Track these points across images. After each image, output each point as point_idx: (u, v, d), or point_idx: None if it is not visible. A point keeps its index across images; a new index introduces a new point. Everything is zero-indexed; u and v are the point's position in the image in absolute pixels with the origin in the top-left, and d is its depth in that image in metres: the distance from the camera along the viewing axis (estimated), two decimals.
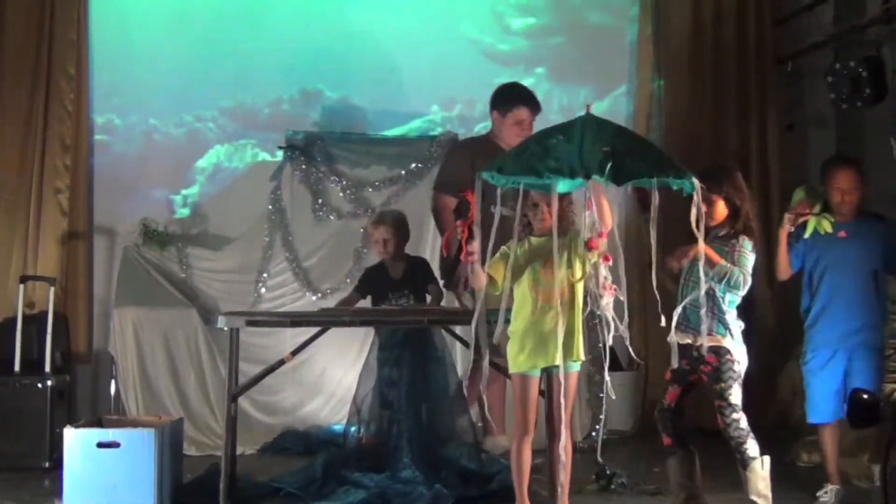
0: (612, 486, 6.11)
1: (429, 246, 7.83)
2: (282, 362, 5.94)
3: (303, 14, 8.37)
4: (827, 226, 5.52)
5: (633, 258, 7.79)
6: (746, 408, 5.23)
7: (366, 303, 6.72)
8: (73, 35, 7.93)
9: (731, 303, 5.26)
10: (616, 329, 4.93)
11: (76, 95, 7.95)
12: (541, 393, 5.33)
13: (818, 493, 5.60)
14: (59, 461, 5.73)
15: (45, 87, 7.87)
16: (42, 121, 7.85)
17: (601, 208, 4.96)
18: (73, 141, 7.94)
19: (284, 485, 6.01)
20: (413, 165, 8.01)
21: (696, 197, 4.68)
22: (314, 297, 7.90)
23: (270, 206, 7.99)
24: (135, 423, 5.99)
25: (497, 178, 4.78)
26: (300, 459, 6.52)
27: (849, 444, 6.08)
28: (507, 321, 5.02)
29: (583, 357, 5.21)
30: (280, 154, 8.07)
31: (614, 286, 5.00)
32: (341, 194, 8.01)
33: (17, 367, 7.04)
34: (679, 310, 5.10)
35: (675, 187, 4.68)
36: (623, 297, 4.92)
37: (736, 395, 5.20)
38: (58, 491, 5.66)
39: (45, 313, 7.24)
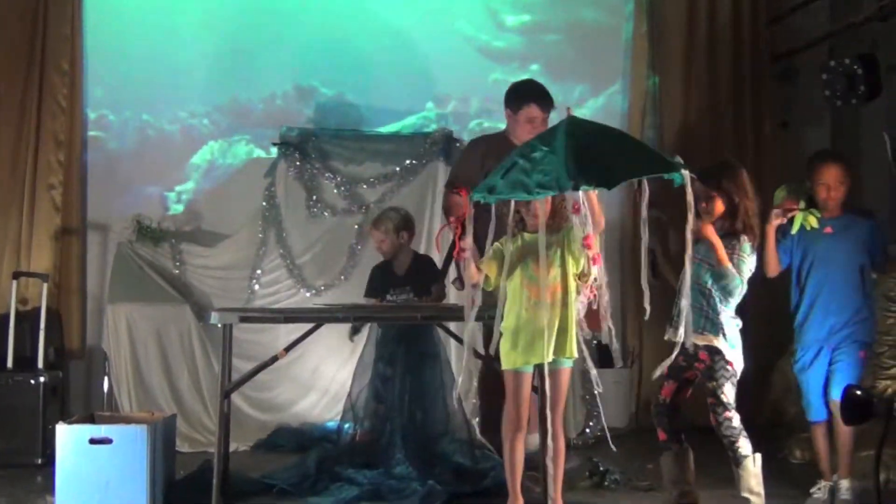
0: (606, 483, 6.12)
1: (423, 243, 7.82)
2: (275, 359, 5.93)
3: (297, 10, 8.37)
4: (813, 221, 5.51)
5: (629, 257, 7.84)
6: (741, 405, 5.24)
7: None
8: (66, 30, 7.93)
9: (727, 303, 5.25)
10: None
11: (69, 91, 7.95)
12: (534, 389, 5.33)
13: (811, 490, 5.60)
14: (52, 458, 5.71)
15: (39, 83, 7.86)
16: (35, 116, 7.85)
17: (593, 211, 4.98)
18: (66, 137, 7.94)
19: (277, 481, 6.00)
20: (407, 162, 7.99)
21: (687, 186, 4.68)
22: (308, 294, 7.89)
23: (264, 203, 7.98)
24: (127, 420, 5.97)
25: (489, 198, 4.80)
26: (293, 456, 6.51)
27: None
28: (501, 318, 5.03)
29: (576, 354, 5.20)
30: (274, 150, 8.06)
31: (595, 288, 5.02)
32: (335, 191, 8.00)
33: (9, 364, 7.02)
34: (687, 309, 5.08)
35: (665, 177, 4.69)
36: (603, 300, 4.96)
37: (729, 393, 5.21)
38: (50, 487, 5.64)
39: (39, 309, 7.23)
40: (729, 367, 5.22)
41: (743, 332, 5.30)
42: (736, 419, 5.21)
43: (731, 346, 5.25)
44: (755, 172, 8.07)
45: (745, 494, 5.21)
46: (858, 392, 5.03)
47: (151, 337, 7.65)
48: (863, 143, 7.29)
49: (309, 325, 6.15)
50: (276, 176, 8.00)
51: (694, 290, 5.25)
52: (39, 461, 6.75)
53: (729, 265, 5.18)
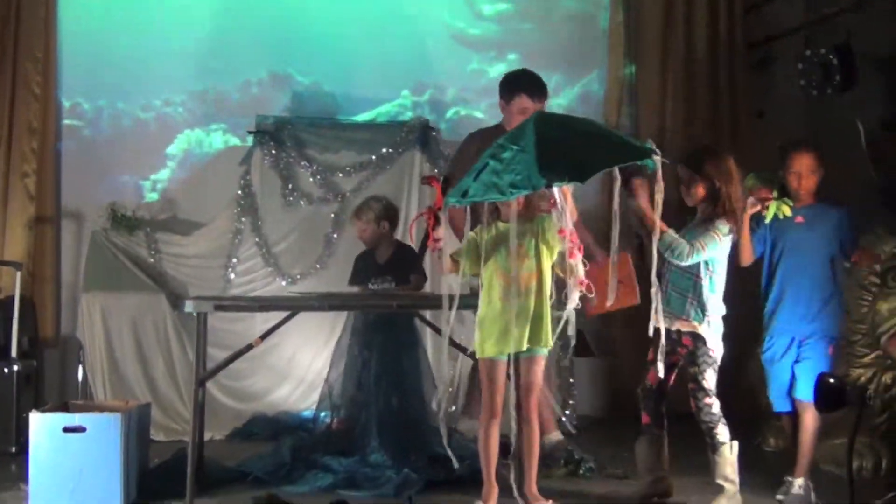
0: (581, 471, 6.13)
1: (400, 231, 7.80)
2: (250, 347, 5.92)
3: None
4: (787, 210, 5.52)
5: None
6: (718, 393, 5.27)
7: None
8: (40, 18, 7.88)
9: (712, 288, 5.27)
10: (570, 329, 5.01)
11: (43, 79, 7.90)
12: (509, 377, 5.35)
13: (787, 477, 5.61)
14: (25, 446, 5.67)
15: (12, 71, 7.81)
16: (9, 104, 7.80)
17: (567, 205, 5.00)
18: (40, 125, 7.89)
19: (252, 469, 5.99)
20: (383, 150, 7.98)
21: (658, 171, 4.69)
22: (284, 283, 7.87)
23: (240, 191, 7.95)
24: (101, 408, 5.94)
25: (462, 201, 4.80)
26: (269, 445, 6.49)
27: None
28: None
29: (550, 343, 5.22)
30: (250, 139, 8.04)
31: (586, 281, 5.03)
32: (311, 179, 7.98)
33: None
34: (655, 291, 5.09)
35: (639, 164, 4.71)
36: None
37: (710, 379, 5.24)
38: (23, 476, 5.61)
39: (12, 298, 7.18)
40: (711, 354, 5.26)
41: (723, 319, 5.33)
42: (716, 406, 5.24)
43: (714, 333, 5.27)
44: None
45: (720, 481, 5.25)
46: (832, 380, 5.07)
47: (126, 325, 7.61)
48: (838, 132, 7.31)
49: (284, 314, 6.15)
50: (251, 164, 7.97)
51: (680, 276, 5.27)
52: (13, 450, 6.73)
53: (669, 231, 5.20)
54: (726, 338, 5.35)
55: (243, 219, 7.91)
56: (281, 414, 7.58)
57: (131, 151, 8.20)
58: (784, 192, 5.55)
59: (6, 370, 6.89)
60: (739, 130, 8.30)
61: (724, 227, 5.25)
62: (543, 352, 5.25)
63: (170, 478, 5.71)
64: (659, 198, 4.80)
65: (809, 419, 5.45)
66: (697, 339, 5.26)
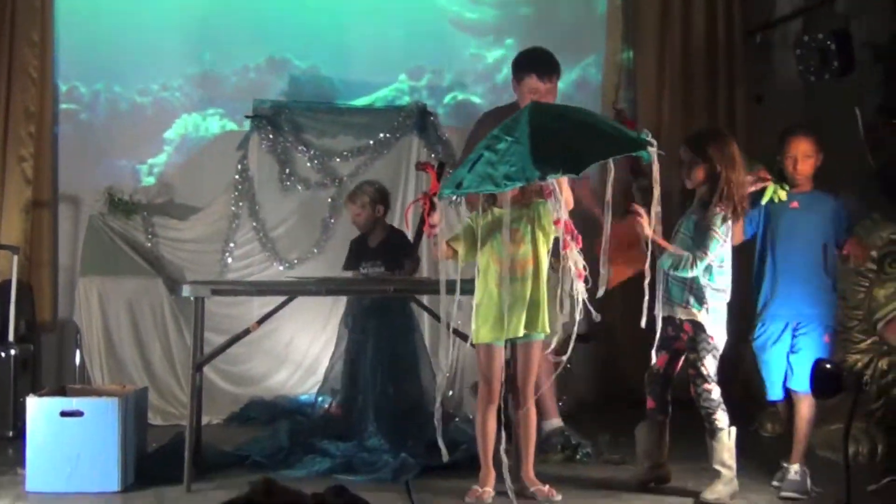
0: (578, 456, 6.15)
1: (397, 216, 7.82)
2: (247, 331, 5.93)
3: None
4: (783, 195, 5.52)
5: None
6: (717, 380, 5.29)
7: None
8: (37, 1, 7.83)
9: (711, 277, 5.27)
10: (590, 314, 4.99)
11: (40, 63, 7.87)
12: (507, 362, 5.36)
13: (783, 463, 5.63)
14: (23, 430, 5.68)
15: (9, 55, 7.78)
16: (5, 88, 7.77)
17: (562, 195, 5.01)
18: (37, 109, 7.87)
19: (251, 453, 6.01)
20: (381, 135, 7.96)
21: (654, 163, 4.69)
22: (281, 267, 7.87)
23: (237, 176, 7.94)
24: (99, 393, 5.94)
25: (457, 192, 4.81)
26: (266, 429, 6.51)
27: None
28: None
29: (548, 329, 5.23)
30: (247, 123, 8.01)
31: (584, 271, 5.03)
32: (308, 164, 7.96)
33: None
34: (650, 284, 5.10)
35: (634, 155, 4.72)
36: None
37: (709, 366, 5.25)
38: (21, 460, 5.61)
39: (9, 282, 7.17)
40: (710, 341, 5.26)
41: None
42: (716, 392, 5.25)
43: (714, 320, 5.28)
44: None
45: (717, 467, 5.26)
46: (828, 366, 5.08)
47: (123, 310, 7.61)
48: (835, 118, 7.30)
49: (282, 299, 6.16)
50: (248, 149, 7.95)
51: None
52: (10, 434, 6.74)
53: (670, 248, 5.20)
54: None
55: (240, 203, 7.90)
56: (278, 398, 7.59)
57: (128, 136, 8.19)
58: (782, 178, 5.55)
59: (3, 354, 6.90)
60: (737, 116, 8.29)
61: (717, 219, 5.24)
62: (541, 337, 5.26)
63: (167, 462, 5.72)
64: (656, 191, 4.80)
65: (805, 407, 5.46)
66: (697, 326, 5.27)
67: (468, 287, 5.18)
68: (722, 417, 5.25)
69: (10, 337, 7.01)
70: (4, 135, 7.76)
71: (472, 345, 5.27)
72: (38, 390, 6.23)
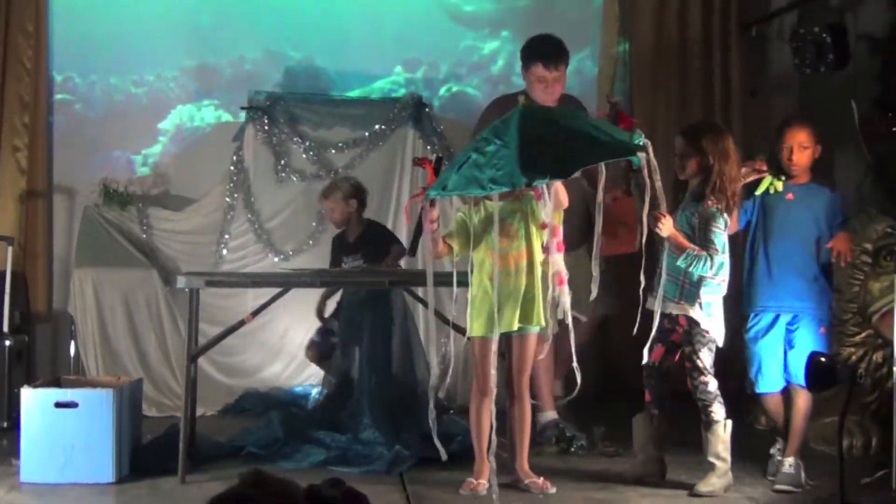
0: (572, 449, 6.15)
1: (392, 207, 7.83)
2: (242, 323, 5.93)
3: None
4: (779, 186, 5.52)
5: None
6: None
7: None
8: None
9: (705, 272, 5.27)
10: (567, 318, 5.09)
11: (35, 53, 7.85)
12: (502, 355, 5.37)
13: (771, 451, 5.63)
14: (17, 421, 5.69)
15: (3, 44, 7.76)
16: (0, 78, 7.75)
17: (556, 196, 5.03)
18: (31, 99, 7.85)
19: (245, 443, 6.01)
20: (376, 127, 7.95)
21: (644, 169, 4.71)
22: (276, 259, 7.86)
23: (232, 167, 7.92)
24: (93, 384, 5.95)
25: (443, 194, 4.82)
26: (260, 421, 6.50)
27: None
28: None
29: (543, 322, 5.24)
30: (242, 115, 8.00)
31: (563, 279, 5.06)
32: (304, 156, 7.95)
33: None
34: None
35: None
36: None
37: (705, 358, 5.26)
38: (15, 451, 5.62)
39: (4, 273, 7.17)
40: (705, 334, 5.27)
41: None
42: (712, 384, 5.27)
43: (708, 314, 5.29)
44: None
45: (712, 459, 5.27)
46: (823, 359, 5.09)
47: (118, 301, 7.61)
48: (831, 111, 7.31)
49: (277, 290, 6.16)
50: (244, 140, 7.93)
51: (674, 260, 5.27)
52: (4, 425, 6.75)
53: (690, 247, 5.21)
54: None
55: (235, 195, 7.89)
56: (273, 390, 7.59)
57: (123, 126, 8.16)
58: (780, 170, 5.54)
59: None
60: (732, 109, 8.28)
61: (716, 214, 5.24)
62: (535, 330, 5.27)
63: (162, 453, 5.73)
64: (648, 197, 4.82)
65: (802, 401, 5.47)
66: (691, 320, 5.28)
67: (462, 279, 5.18)
68: (718, 410, 5.26)
69: (5, 328, 7.01)
70: None
71: (468, 338, 5.27)
72: (33, 381, 6.23)
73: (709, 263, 5.21)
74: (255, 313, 6.03)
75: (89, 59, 8.13)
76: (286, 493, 2.64)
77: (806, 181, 5.56)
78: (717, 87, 8.30)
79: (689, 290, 5.27)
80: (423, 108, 7.97)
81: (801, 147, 5.50)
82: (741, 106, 8.24)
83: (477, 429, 5.30)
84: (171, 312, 7.63)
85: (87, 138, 8.13)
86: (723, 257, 5.30)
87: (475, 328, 5.23)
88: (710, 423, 5.26)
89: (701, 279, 5.25)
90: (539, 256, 5.21)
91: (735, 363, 6.75)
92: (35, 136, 7.87)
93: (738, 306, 5.69)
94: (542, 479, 5.37)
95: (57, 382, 5.96)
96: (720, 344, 5.33)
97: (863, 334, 6.29)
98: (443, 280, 5.14)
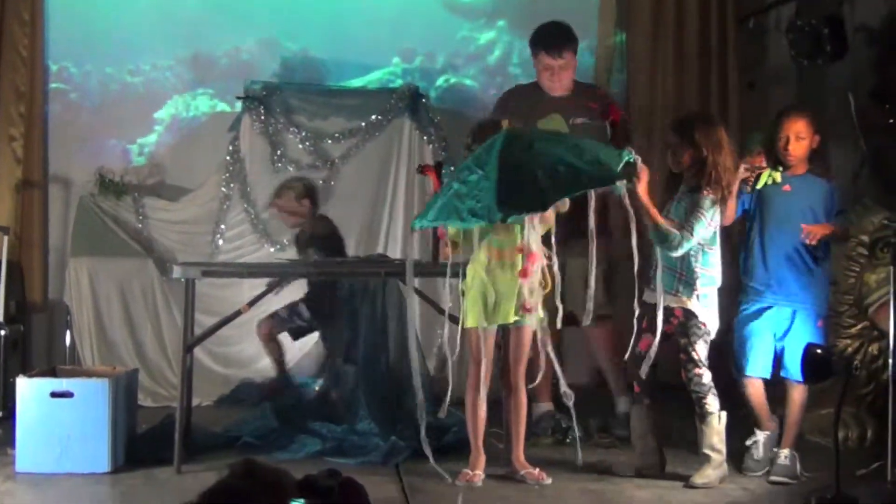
0: (568, 440, 6.15)
1: (388, 198, 7.82)
2: (238, 313, 5.93)
3: None
4: (777, 177, 5.52)
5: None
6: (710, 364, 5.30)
7: None
8: None
9: (705, 262, 5.27)
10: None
11: (30, 42, 7.81)
12: (497, 346, 5.37)
13: (747, 442, 5.62)
14: (13, 411, 5.69)
15: None
16: None
17: (536, 224, 5.04)
18: (27, 89, 7.82)
19: (241, 433, 6.02)
20: (373, 117, 7.93)
21: (625, 199, 4.70)
22: (272, 249, 7.84)
23: (228, 157, 7.90)
24: (89, 374, 5.96)
25: (425, 224, 4.83)
26: (256, 411, 6.50)
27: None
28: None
29: (540, 314, 5.24)
30: (238, 104, 7.99)
31: (533, 304, 5.10)
32: (300, 146, 7.93)
33: None
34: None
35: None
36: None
37: (700, 351, 5.27)
38: (10, 440, 5.62)
39: None
40: (702, 326, 5.28)
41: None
42: (706, 376, 5.27)
43: (705, 306, 5.28)
44: None
45: (707, 451, 5.28)
46: (819, 350, 5.10)
47: (114, 291, 7.61)
48: (828, 103, 7.31)
49: (273, 280, 6.16)
50: (240, 130, 7.91)
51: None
52: (0, 414, 6.72)
53: (662, 223, 5.19)
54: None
55: (232, 185, 7.87)
56: (269, 380, 7.58)
57: (119, 116, 8.13)
58: (777, 161, 5.54)
59: None
60: (729, 101, 8.26)
61: (706, 202, 5.24)
62: (532, 321, 5.26)
63: (157, 443, 5.74)
64: (633, 227, 4.83)
65: (797, 392, 5.47)
66: (688, 312, 5.28)
67: (447, 272, 5.18)
68: (712, 402, 5.27)
69: (0, 317, 6.99)
70: None
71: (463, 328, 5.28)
72: (29, 371, 6.22)
73: (677, 242, 5.18)
74: (252, 303, 6.03)
75: (85, 49, 8.10)
76: (278, 483, 2.63)
77: (803, 172, 5.55)
78: (714, 79, 8.28)
79: (687, 281, 5.26)
80: (419, 99, 7.96)
81: (798, 137, 5.49)
82: (738, 98, 8.22)
83: (472, 420, 5.30)
84: (167, 302, 7.63)
85: (83, 128, 8.11)
86: (713, 249, 5.30)
87: (470, 319, 5.23)
88: (704, 416, 5.27)
89: (696, 271, 5.24)
90: (538, 249, 5.20)
91: (728, 354, 6.77)
92: (31, 125, 7.85)
93: (735, 298, 5.69)
94: (537, 470, 5.37)
95: (53, 372, 5.96)
96: (714, 336, 5.33)
97: (859, 326, 6.29)
98: (438, 271, 5.14)
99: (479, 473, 5.28)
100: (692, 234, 5.20)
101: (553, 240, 5.07)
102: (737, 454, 5.57)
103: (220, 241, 7.84)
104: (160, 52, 8.19)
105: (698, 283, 5.26)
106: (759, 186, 5.52)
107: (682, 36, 8.34)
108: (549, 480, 5.33)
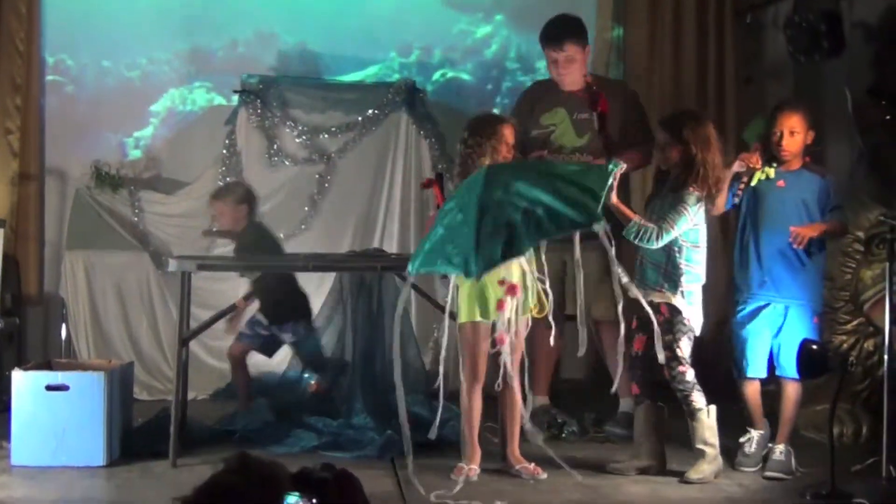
0: (563, 435, 6.16)
1: (384, 195, 7.82)
2: (234, 307, 5.93)
3: None
4: (771, 172, 5.51)
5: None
6: (700, 359, 5.29)
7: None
8: None
9: (689, 258, 5.27)
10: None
11: (27, 34, 7.79)
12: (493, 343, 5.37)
13: (741, 440, 5.62)
14: (8, 404, 5.68)
15: None
16: None
17: None
18: (23, 81, 7.80)
19: (237, 427, 6.02)
20: (370, 112, 7.92)
21: (603, 239, 4.69)
22: None
23: (225, 151, 7.89)
24: (84, 367, 5.95)
25: (418, 271, 4.87)
26: (252, 405, 6.50)
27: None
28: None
29: (535, 310, 5.25)
30: (235, 98, 7.97)
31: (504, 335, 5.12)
32: (297, 140, 7.92)
33: None
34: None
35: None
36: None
37: (684, 348, 5.26)
38: (6, 433, 5.62)
39: None
40: (686, 323, 5.27)
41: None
42: (690, 374, 5.27)
43: (689, 303, 5.28)
44: (717, 127, 8.13)
45: (700, 446, 5.29)
46: (814, 346, 5.10)
47: (110, 284, 7.61)
48: (825, 99, 7.31)
49: None
50: (236, 124, 7.90)
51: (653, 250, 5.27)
52: None
53: (635, 218, 5.20)
54: (705, 304, 5.36)
55: (228, 178, 7.86)
56: (264, 374, 7.56)
57: (115, 109, 8.10)
58: (771, 156, 5.53)
59: None
60: (726, 96, 8.25)
61: (690, 198, 5.23)
62: (526, 316, 5.28)
63: (153, 437, 5.74)
64: (615, 269, 4.83)
65: (791, 389, 5.48)
66: (673, 309, 5.27)
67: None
68: (698, 398, 5.27)
69: None
70: None
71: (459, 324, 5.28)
72: (24, 364, 6.21)
73: (656, 236, 5.18)
74: (248, 298, 6.03)
75: (81, 42, 8.08)
76: (272, 476, 2.62)
77: (798, 167, 5.55)
78: (711, 74, 8.27)
79: (671, 277, 5.26)
80: (416, 93, 7.96)
81: (792, 132, 5.48)
82: (735, 93, 8.22)
83: (468, 415, 5.31)
84: (163, 296, 7.63)
85: (79, 121, 8.09)
86: (699, 246, 5.29)
87: (467, 314, 5.23)
88: (693, 412, 5.27)
89: (681, 267, 5.24)
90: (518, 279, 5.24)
91: (721, 351, 6.78)
92: (27, 118, 7.83)
93: (730, 294, 5.69)
94: (532, 464, 5.38)
95: (48, 365, 5.96)
96: (697, 333, 5.32)
97: (854, 322, 6.30)
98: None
99: (474, 468, 5.28)
100: (672, 227, 5.19)
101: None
102: (731, 451, 5.57)
103: None
104: (157, 46, 8.17)
105: (683, 279, 5.25)
106: (752, 184, 5.51)
107: (680, 30, 8.32)
108: (544, 475, 5.34)
